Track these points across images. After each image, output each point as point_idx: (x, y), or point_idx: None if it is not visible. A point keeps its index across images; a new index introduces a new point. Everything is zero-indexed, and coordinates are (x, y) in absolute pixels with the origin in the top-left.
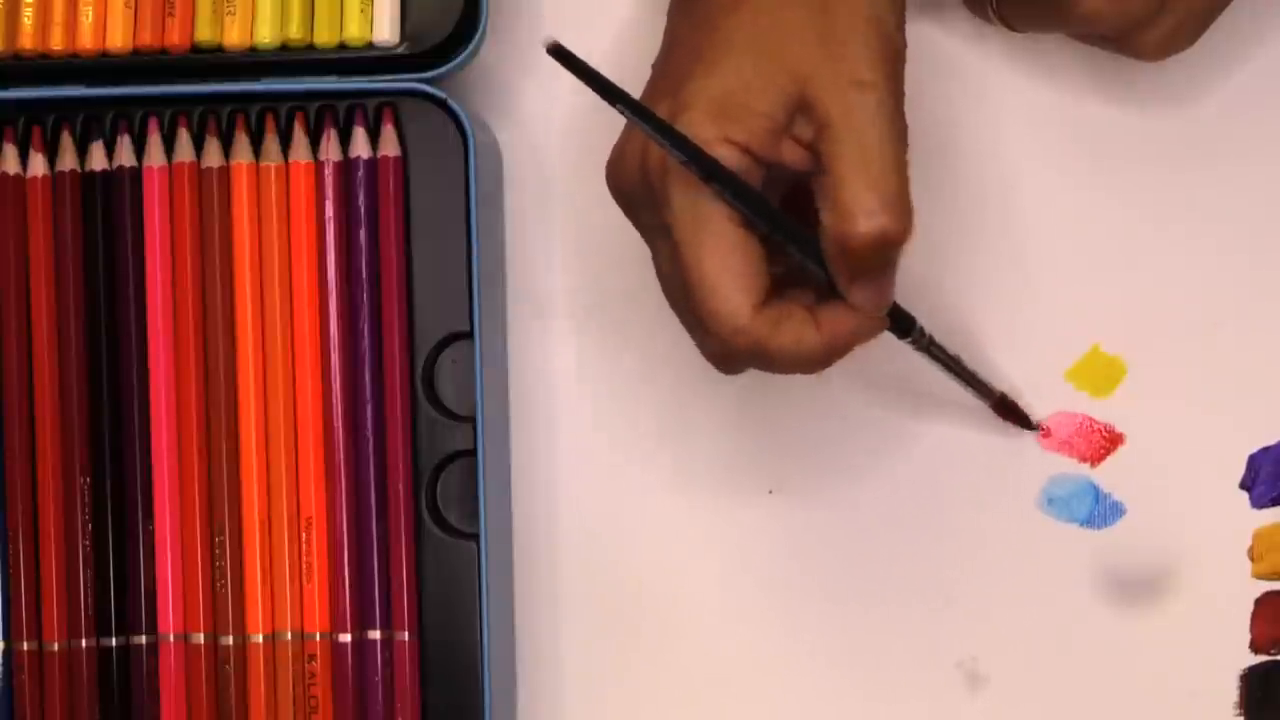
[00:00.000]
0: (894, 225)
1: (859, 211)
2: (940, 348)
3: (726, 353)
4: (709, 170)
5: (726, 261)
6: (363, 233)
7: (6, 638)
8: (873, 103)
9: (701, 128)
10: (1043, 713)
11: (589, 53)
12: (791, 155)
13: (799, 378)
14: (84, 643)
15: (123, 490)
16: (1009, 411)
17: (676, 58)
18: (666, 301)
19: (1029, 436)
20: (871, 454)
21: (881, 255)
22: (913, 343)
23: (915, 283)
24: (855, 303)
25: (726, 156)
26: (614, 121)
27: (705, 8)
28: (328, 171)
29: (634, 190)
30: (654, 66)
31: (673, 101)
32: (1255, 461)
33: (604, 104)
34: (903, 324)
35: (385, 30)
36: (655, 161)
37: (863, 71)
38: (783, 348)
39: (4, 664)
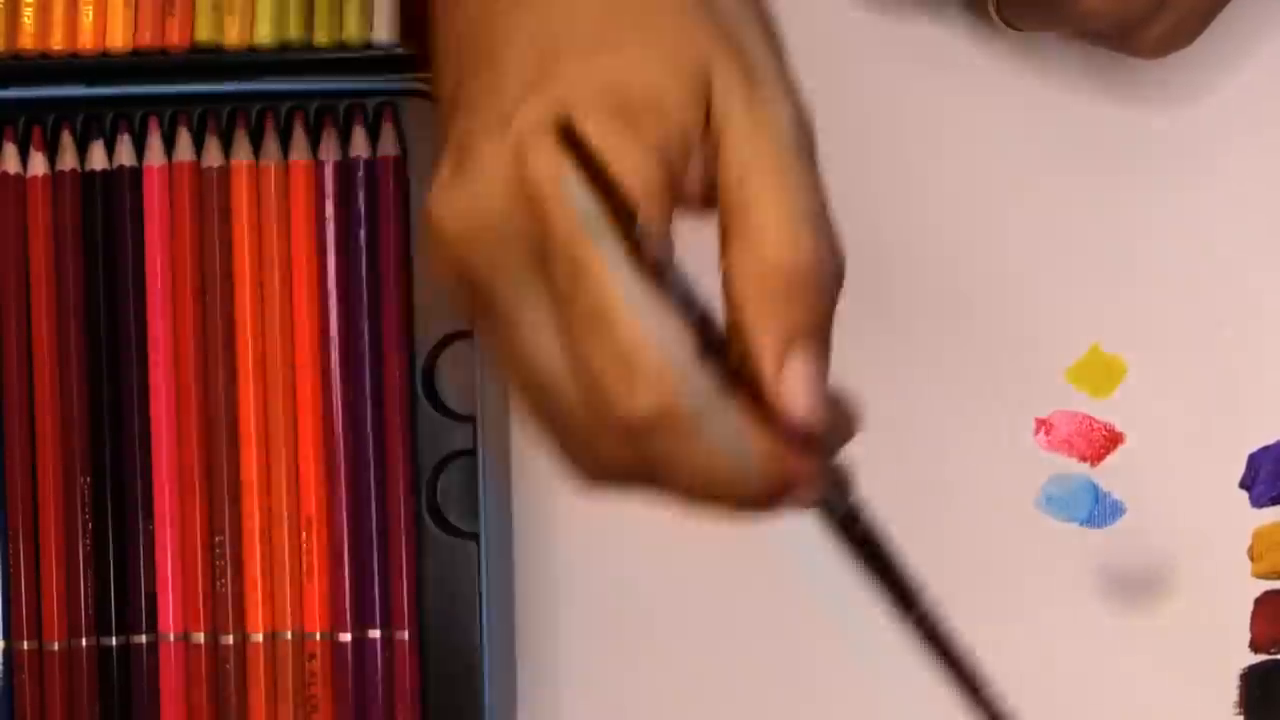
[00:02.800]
0: (826, 249)
1: (784, 234)
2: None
3: (630, 442)
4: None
5: (656, 321)
6: (362, 233)
7: (6, 638)
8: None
9: (599, 129)
10: (1043, 713)
11: None
12: (692, 184)
13: None
14: (84, 642)
15: (123, 490)
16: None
17: (513, 51)
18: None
19: (1029, 436)
20: (871, 454)
21: (815, 294)
22: (833, 515)
23: (914, 283)
24: (786, 396)
25: (649, 178)
26: None
27: None
28: (327, 171)
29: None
30: (454, 88)
31: (534, 101)
32: (1255, 461)
33: None
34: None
35: (384, 30)
36: (548, 192)
37: (760, 58)
38: (724, 438)
39: (4, 664)
